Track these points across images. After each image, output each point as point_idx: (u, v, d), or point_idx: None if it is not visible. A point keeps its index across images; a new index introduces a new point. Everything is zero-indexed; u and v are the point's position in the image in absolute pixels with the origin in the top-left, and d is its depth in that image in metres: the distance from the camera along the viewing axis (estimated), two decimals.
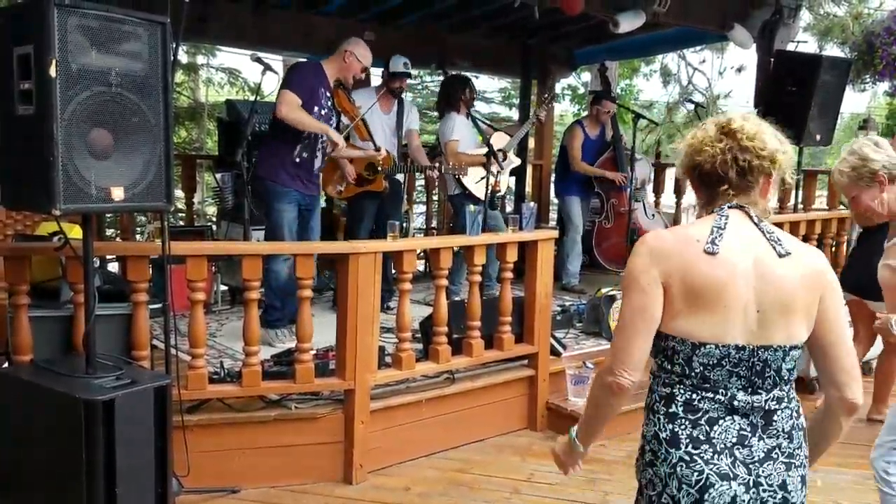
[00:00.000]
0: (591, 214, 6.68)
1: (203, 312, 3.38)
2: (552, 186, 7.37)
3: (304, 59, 5.74)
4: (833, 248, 5.70)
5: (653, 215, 6.87)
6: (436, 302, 3.91)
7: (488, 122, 6.35)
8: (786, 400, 1.71)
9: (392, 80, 5.29)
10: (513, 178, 7.06)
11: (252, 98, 6.34)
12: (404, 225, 6.30)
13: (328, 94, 4.59)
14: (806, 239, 5.07)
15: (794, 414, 1.72)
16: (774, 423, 1.69)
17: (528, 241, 4.26)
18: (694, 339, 1.67)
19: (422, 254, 6.47)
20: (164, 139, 2.65)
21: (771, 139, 1.72)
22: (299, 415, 3.58)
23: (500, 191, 5.67)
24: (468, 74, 6.20)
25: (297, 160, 4.47)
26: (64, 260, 3.10)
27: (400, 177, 5.58)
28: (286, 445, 3.53)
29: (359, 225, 5.28)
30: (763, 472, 1.66)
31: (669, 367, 1.72)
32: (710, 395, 1.68)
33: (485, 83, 13.41)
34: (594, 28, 6.22)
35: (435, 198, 7.48)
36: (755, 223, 1.71)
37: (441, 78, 5.97)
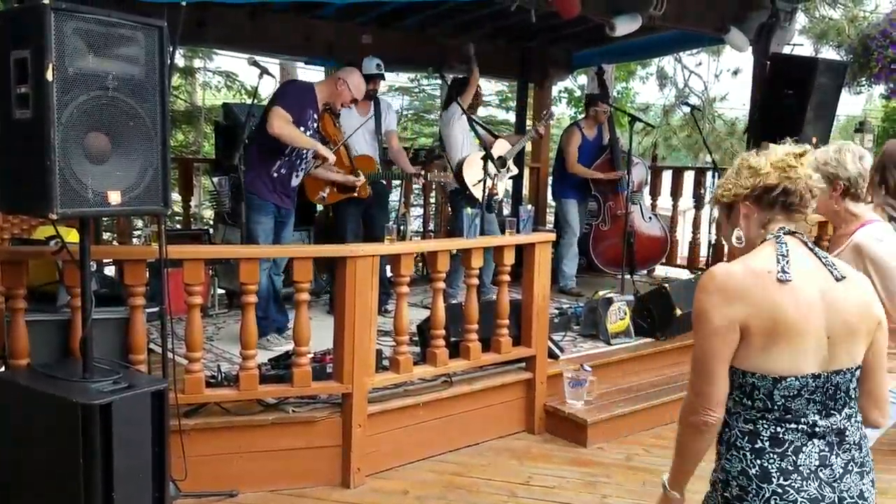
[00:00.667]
0: (588, 217, 6.67)
1: (200, 316, 3.38)
2: (549, 189, 7.37)
3: (297, 80, 5.70)
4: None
5: (650, 218, 6.88)
6: (433, 305, 3.91)
7: (488, 127, 6.35)
8: (854, 416, 1.75)
9: (365, 82, 5.26)
10: (510, 182, 7.05)
11: (249, 101, 6.34)
12: (401, 228, 6.29)
13: (315, 117, 4.63)
14: None
15: (860, 425, 1.76)
16: (847, 438, 1.72)
17: (526, 243, 4.27)
18: (774, 375, 1.67)
19: (419, 256, 6.47)
20: (161, 143, 2.65)
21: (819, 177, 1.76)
22: (297, 418, 3.57)
23: (497, 194, 5.67)
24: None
25: (275, 175, 4.53)
26: (61, 264, 3.09)
27: (395, 182, 5.56)
28: (284, 449, 3.52)
29: (345, 230, 5.27)
30: (844, 486, 1.69)
31: (750, 402, 1.71)
32: (793, 425, 1.69)
33: (482, 86, 13.39)
34: (593, 31, 6.23)
35: (432, 200, 7.48)
36: (810, 249, 1.74)
37: (438, 81, 5.97)
